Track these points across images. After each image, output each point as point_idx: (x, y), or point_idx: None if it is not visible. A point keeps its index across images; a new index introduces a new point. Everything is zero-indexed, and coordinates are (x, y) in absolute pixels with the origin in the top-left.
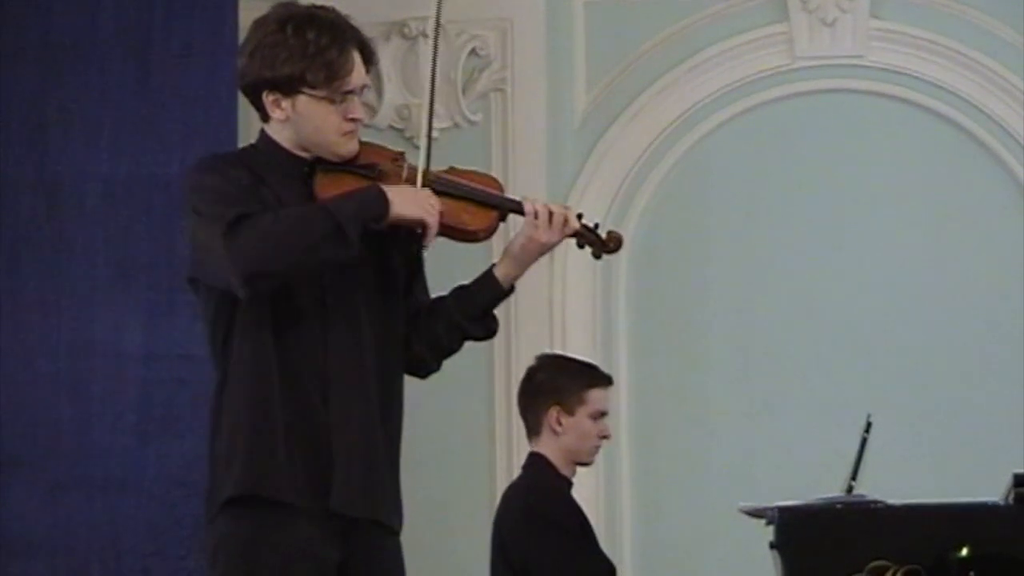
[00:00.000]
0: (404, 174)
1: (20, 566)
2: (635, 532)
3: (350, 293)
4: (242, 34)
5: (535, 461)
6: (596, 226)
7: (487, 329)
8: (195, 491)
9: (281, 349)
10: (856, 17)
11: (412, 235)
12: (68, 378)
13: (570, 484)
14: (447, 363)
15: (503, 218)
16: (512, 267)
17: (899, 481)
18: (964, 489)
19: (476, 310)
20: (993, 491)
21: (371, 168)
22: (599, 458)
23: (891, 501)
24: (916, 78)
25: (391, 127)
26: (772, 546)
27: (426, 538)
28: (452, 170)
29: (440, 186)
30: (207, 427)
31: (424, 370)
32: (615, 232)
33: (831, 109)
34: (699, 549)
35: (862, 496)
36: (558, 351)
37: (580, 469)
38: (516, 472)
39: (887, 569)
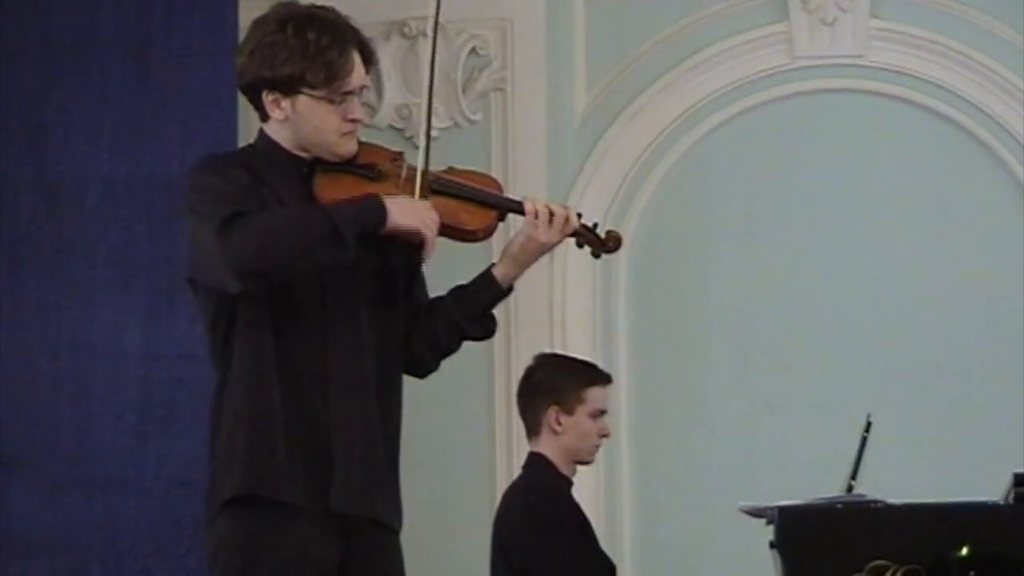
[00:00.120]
0: (403, 174)
1: (20, 566)
2: (635, 532)
3: (350, 293)
4: (242, 34)
5: (535, 461)
6: (595, 225)
7: (485, 329)
8: (195, 491)
9: (281, 349)
10: (856, 17)
11: (411, 246)
12: (68, 378)
13: (570, 483)
14: (447, 363)
15: (502, 218)
16: (511, 267)
17: (899, 481)
18: (964, 489)
19: (475, 310)
20: (993, 491)
21: (370, 168)
22: (599, 458)
23: (891, 501)
24: (916, 78)
25: (391, 127)
26: (772, 546)
27: (426, 538)
28: (451, 170)
29: (439, 186)
30: (207, 427)
31: (423, 370)
32: (614, 231)
33: (831, 109)
34: (699, 549)
35: (862, 496)
36: (558, 351)
37: (580, 469)
38: (516, 472)
39: (887, 569)
